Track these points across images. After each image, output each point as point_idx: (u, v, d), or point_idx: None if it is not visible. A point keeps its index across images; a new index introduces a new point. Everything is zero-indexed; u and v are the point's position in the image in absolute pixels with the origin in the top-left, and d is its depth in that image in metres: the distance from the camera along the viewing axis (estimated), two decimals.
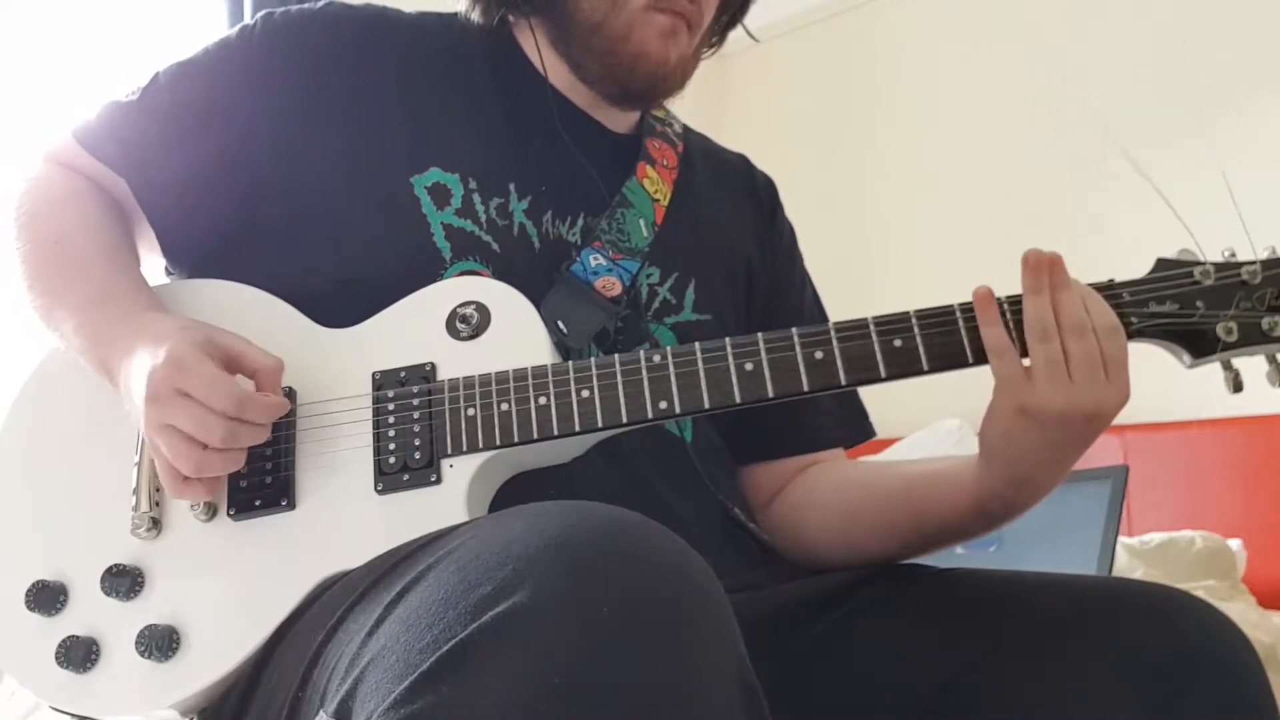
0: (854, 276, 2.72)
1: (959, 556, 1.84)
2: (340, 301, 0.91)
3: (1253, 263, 0.83)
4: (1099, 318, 0.81)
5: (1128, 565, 2.01)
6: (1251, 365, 0.85)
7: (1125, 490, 1.78)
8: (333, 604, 0.74)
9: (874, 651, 0.87)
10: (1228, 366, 0.84)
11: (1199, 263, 0.83)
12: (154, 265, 1.02)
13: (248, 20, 1.02)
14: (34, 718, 1.17)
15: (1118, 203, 2.33)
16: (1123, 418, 0.84)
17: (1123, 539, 1.99)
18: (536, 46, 1.02)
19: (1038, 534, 1.81)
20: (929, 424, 2.86)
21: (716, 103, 3.74)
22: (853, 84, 3.70)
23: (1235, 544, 2.16)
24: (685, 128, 1.14)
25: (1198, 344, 0.83)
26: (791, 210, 1.19)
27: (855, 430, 1.11)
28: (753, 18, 1.10)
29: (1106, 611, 0.81)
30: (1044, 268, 0.82)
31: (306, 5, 1.02)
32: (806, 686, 0.86)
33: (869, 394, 1.10)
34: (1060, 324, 0.80)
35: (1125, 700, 0.76)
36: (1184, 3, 2.98)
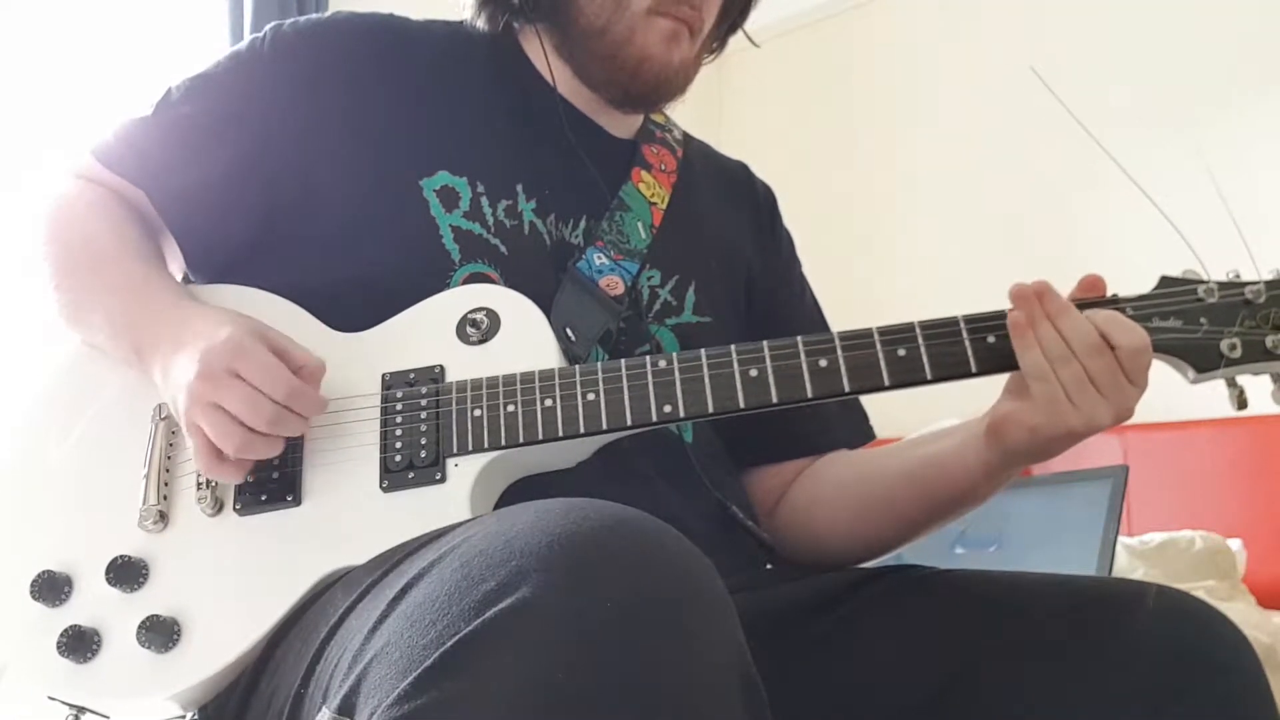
0: (851, 280, 2.72)
1: (959, 556, 1.84)
2: (351, 303, 0.92)
3: (1256, 282, 0.83)
4: (1128, 338, 0.81)
5: (1128, 565, 2.01)
6: (1255, 381, 0.85)
7: (1125, 490, 1.77)
8: (336, 600, 0.74)
9: (874, 651, 0.87)
10: (1232, 384, 0.84)
11: (1203, 281, 0.84)
12: (174, 274, 1.02)
13: (255, 33, 1.04)
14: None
15: (1116, 205, 2.33)
16: None
17: (1123, 539, 1.99)
18: (542, 52, 1.03)
19: (1038, 534, 1.81)
20: (929, 424, 2.85)
21: (714, 103, 3.75)
22: (850, 86, 3.70)
23: (1235, 544, 2.17)
24: (686, 134, 1.15)
25: (1201, 359, 0.83)
26: (788, 212, 1.19)
27: (856, 433, 1.12)
28: (750, 19, 1.10)
29: (1106, 611, 0.82)
30: (1031, 299, 0.82)
31: (314, 15, 1.04)
32: (806, 686, 0.86)
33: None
34: (1073, 349, 0.81)
35: (1124, 700, 0.77)
36: (1183, 4, 2.99)
